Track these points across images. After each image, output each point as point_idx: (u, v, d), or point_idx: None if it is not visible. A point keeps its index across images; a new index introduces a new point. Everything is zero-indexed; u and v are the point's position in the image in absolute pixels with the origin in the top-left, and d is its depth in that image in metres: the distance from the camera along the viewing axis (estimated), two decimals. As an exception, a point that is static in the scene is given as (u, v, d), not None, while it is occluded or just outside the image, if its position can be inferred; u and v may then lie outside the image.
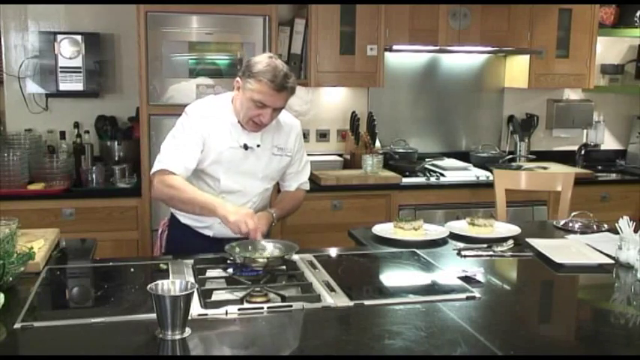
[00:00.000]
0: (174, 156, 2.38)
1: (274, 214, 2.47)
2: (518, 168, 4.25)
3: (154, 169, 2.41)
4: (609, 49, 4.82)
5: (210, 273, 2.12)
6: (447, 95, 4.59)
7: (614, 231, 2.38)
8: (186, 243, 2.54)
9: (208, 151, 2.42)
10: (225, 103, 2.48)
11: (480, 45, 4.23)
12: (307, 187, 2.73)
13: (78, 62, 3.75)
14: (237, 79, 2.39)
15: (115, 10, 4.00)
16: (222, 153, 2.43)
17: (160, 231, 2.71)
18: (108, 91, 4.07)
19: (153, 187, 2.41)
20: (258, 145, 2.46)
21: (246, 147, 2.44)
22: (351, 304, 1.87)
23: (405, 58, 4.46)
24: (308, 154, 4.25)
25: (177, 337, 1.61)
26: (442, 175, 4.11)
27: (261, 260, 2.08)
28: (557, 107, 4.77)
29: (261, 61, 2.33)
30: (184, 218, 2.57)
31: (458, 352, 1.59)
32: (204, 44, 3.65)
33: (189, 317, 1.66)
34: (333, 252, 2.46)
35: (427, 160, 4.32)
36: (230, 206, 2.27)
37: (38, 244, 2.25)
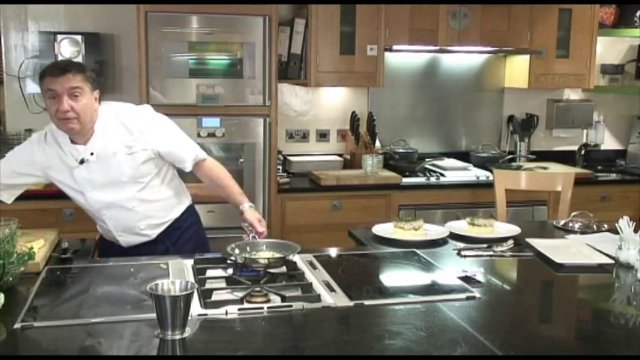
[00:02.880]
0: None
1: (245, 205, 2.46)
2: (518, 168, 4.24)
3: None
4: (609, 49, 4.82)
5: (210, 273, 2.12)
6: (447, 95, 4.58)
7: (614, 231, 2.38)
8: (113, 249, 2.56)
9: (58, 182, 2.44)
10: (54, 127, 2.43)
11: (480, 45, 4.23)
12: (203, 155, 2.55)
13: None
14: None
15: (115, 10, 3.99)
16: (71, 176, 2.40)
17: (97, 238, 2.70)
18: (108, 91, 4.06)
19: None
20: (92, 153, 2.37)
21: (82, 161, 2.38)
22: (351, 304, 1.87)
23: (405, 58, 4.46)
24: (308, 154, 4.32)
25: (177, 337, 1.61)
26: (442, 175, 4.11)
27: (262, 261, 2.08)
28: (557, 107, 4.76)
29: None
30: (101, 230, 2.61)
31: (458, 352, 1.59)
32: (204, 44, 3.65)
33: (189, 317, 1.67)
34: (333, 252, 2.46)
35: (427, 160, 4.31)
36: None
37: (38, 244, 2.25)
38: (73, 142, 2.38)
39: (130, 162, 2.39)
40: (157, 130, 2.44)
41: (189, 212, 2.65)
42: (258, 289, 1.89)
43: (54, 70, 2.31)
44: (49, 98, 2.31)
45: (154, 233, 2.52)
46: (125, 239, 2.52)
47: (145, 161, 2.41)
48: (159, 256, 2.38)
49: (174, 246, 2.54)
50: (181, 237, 2.52)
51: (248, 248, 2.19)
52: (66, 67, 2.30)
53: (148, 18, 3.53)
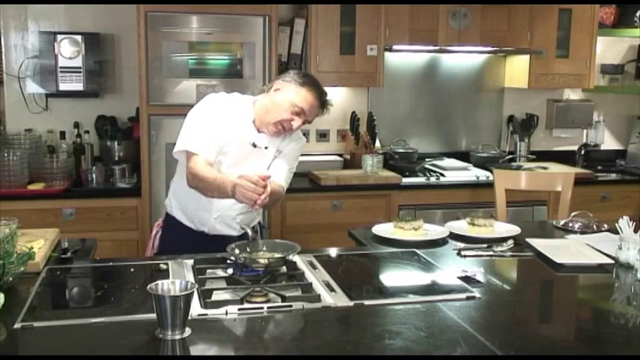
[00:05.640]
0: (201, 139, 2.40)
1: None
2: (518, 168, 4.25)
3: (181, 148, 2.41)
4: (609, 49, 4.82)
5: (210, 273, 2.12)
6: (447, 95, 4.59)
7: (614, 231, 2.38)
8: (180, 243, 2.56)
9: (221, 140, 2.45)
10: (246, 102, 2.53)
11: (480, 45, 4.23)
12: (284, 186, 2.56)
13: (78, 62, 3.75)
14: (280, 81, 2.46)
15: (115, 10, 4.00)
16: (231, 146, 2.45)
17: (154, 232, 2.73)
18: (108, 91, 4.07)
19: (187, 177, 2.40)
20: (266, 147, 2.49)
21: (254, 145, 2.47)
22: (351, 304, 1.87)
23: (405, 58, 4.46)
24: (308, 154, 4.32)
25: (177, 337, 1.61)
26: (442, 175, 4.11)
27: (262, 261, 2.08)
28: (557, 107, 4.77)
29: (308, 75, 2.55)
30: (180, 214, 2.59)
31: (458, 352, 1.59)
32: (204, 44, 3.65)
33: (189, 317, 1.67)
34: (333, 252, 2.46)
35: (427, 160, 4.31)
36: (232, 184, 2.22)
37: (38, 244, 2.25)
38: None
39: (268, 163, 2.50)
40: (294, 156, 2.62)
41: (259, 224, 2.75)
42: (258, 289, 1.89)
43: (319, 97, 2.46)
44: (290, 106, 2.41)
45: (239, 230, 2.53)
46: (214, 225, 2.54)
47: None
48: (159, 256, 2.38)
49: None
50: None
51: (248, 248, 2.19)
52: (326, 106, 2.50)
53: (148, 18, 3.53)
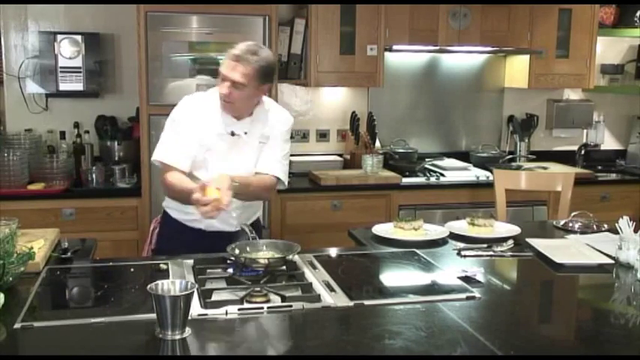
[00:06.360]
0: (174, 150, 2.44)
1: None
2: (518, 168, 4.24)
3: (155, 158, 2.48)
4: (609, 49, 4.82)
5: (210, 273, 2.12)
6: (447, 95, 4.59)
7: (614, 231, 2.38)
8: (176, 239, 2.57)
9: (200, 139, 2.47)
10: (217, 94, 2.51)
11: (480, 45, 4.23)
12: (276, 175, 2.55)
13: (78, 62, 3.75)
14: None
15: (115, 10, 4.00)
16: (211, 140, 2.46)
17: (151, 228, 2.74)
18: (108, 91, 4.07)
19: (162, 185, 2.47)
20: (246, 133, 2.48)
21: (233, 134, 2.47)
22: (351, 304, 1.87)
23: (405, 58, 4.46)
24: (308, 154, 4.32)
25: (177, 337, 1.61)
26: (442, 175, 4.11)
27: (262, 261, 2.08)
28: (557, 107, 4.77)
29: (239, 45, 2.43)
30: (176, 212, 2.60)
31: (458, 352, 1.59)
32: (204, 44, 3.65)
33: (189, 317, 1.67)
34: (333, 252, 2.46)
35: (427, 160, 4.31)
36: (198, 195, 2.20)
37: (38, 244, 2.25)
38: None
39: (257, 151, 2.51)
40: (284, 139, 2.57)
41: (259, 221, 2.74)
42: (258, 289, 1.89)
43: (231, 54, 2.35)
44: (220, 79, 2.38)
45: (237, 225, 2.52)
46: (211, 222, 2.50)
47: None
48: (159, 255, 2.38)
49: None
50: None
51: (248, 248, 2.19)
52: (240, 57, 2.34)
53: (148, 18, 3.53)
